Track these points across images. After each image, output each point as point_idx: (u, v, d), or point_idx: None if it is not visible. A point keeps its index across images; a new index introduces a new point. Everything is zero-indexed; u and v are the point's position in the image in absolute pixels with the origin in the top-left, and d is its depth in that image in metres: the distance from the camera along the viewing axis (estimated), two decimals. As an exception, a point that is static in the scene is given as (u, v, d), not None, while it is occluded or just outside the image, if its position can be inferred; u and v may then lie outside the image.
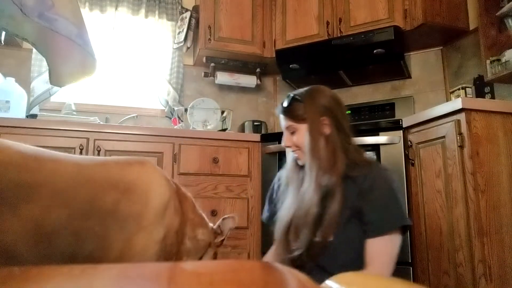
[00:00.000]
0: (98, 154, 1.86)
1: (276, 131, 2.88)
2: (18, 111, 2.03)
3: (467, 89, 2.07)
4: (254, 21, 2.65)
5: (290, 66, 2.55)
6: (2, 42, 1.86)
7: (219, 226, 0.98)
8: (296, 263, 1.15)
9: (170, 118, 2.57)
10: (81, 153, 1.83)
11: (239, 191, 2.09)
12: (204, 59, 2.63)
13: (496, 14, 2.06)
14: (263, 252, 2.02)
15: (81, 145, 1.84)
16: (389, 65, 2.43)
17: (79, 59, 1.21)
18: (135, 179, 0.77)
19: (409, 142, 1.78)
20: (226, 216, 1.00)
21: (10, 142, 0.68)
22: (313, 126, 1.16)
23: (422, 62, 2.57)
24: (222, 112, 2.56)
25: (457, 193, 1.48)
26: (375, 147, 1.86)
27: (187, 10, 2.71)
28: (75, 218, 0.66)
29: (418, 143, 1.74)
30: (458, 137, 1.48)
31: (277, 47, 2.61)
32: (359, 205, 1.10)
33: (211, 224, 0.98)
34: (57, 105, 2.36)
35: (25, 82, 2.24)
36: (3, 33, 1.84)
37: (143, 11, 2.62)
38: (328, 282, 0.37)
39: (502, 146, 1.48)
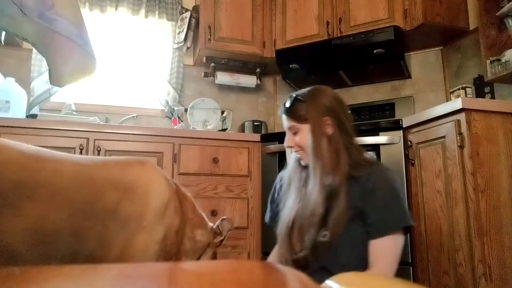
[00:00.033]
0: (98, 154, 1.86)
1: (276, 131, 2.89)
2: (18, 111, 2.03)
3: (467, 89, 2.07)
4: (254, 21, 2.65)
5: (290, 66, 2.55)
6: (2, 42, 1.87)
7: (218, 226, 0.98)
8: (300, 264, 1.15)
9: (170, 118, 2.57)
10: (81, 153, 1.83)
11: (239, 191, 2.09)
12: (204, 59, 2.63)
13: (496, 14, 2.06)
14: (263, 252, 2.02)
15: (81, 145, 1.84)
16: (389, 65, 2.43)
17: (79, 59, 1.21)
18: (135, 179, 0.77)
19: (409, 142, 1.78)
20: (224, 217, 0.99)
21: (11, 142, 0.68)
22: (315, 126, 1.16)
23: (422, 62, 2.57)
24: (222, 112, 2.56)
25: (457, 193, 1.48)
26: (375, 147, 1.86)
27: (187, 10, 2.71)
28: (76, 218, 0.66)
29: (418, 143, 1.74)
30: (458, 137, 1.48)
31: (277, 47, 2.61)
32: (361, 205, 1.10)
33: (210, 224, 0.97)
34: (57, 105, 2.36)
35: (25, 82, 2.24)
36: (3, 33, 1.84)
37: (143, 11, 2.62)
38: (328, 282, 0.37)
39: (502, 146, 1.48)
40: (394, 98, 2.57)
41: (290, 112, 1.21)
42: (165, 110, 2.63)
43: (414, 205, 1.72)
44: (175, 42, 2.67)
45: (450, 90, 2.21)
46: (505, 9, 2.00)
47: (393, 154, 1.82)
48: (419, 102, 2.51)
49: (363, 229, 1.10)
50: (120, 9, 2.57)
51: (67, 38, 1.15)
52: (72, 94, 2.43)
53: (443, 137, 1.57)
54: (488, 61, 2.03)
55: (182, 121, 2.50)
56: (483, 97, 2.13)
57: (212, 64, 2.65)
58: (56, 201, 0.65)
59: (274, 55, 2.60)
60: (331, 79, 2.61)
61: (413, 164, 1.76)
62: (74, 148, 1.84)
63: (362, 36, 2.28)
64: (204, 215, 0.96)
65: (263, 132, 2.62)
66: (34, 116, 2.09)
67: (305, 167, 1.21)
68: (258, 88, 2.92)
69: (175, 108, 2.55)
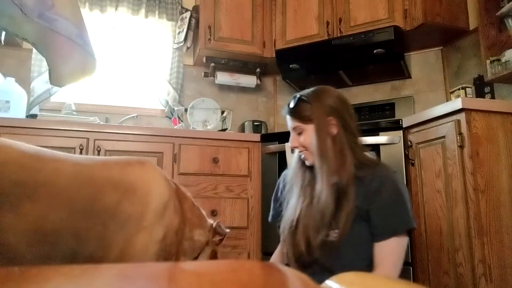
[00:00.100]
0: (98, 154, 1.86)
1: (276, 131, 2.89)
2: (18, 111, 2.03)
3: (467, 89, 2.07)
4: (254, 21, 2.65)
5: (290, 66, 2.55)
6: (2, 42, 1.86)
7: (219, 225, 0.98)
8: (302, 263, 1.15)
9: (170, 118, 2.57)
10: (81, 153, 1.83)
11: (239, 191, 2.09)
12: (204, 59, 2.63)
13: (496, 14, 2.06)
14: (263, 252, 2.02)
15: (81, 145, 1.84)
16: (389, 65, 2.44)
17: (79, 59, 1.22)
18: (135, 179, 0.77)
19: (409, 142, 1.78)
20: (218, 223, 0.98)
21: (11, 141, 0.68)
22: (320, 126, 1.16)
23: (422, 62, 2.57)
24: (222, 112, 2.56)
25: (457, 193, 1.48)
26: (375, 147, 1.86)
27: (187, 10, 2.71)
28: (76, 219, 0.66)
29: (418, 143, 1.74)
30: (458, 137, 1.48)
31: (277, 47, 2.61)
32: (366, 206, 1.10)
33: (211, 221, 0.97)
34: (57, 105, 2.36)
35: (25, 82, 2.24)
36: (3, 33, 1.84)
37: (143, 11, 2.62)
38: (328, 282, 0.37)
39: (502, 146, 1.48)
40: (394, 98, 2.57)
41: (295, 113, 1.21)
42: (165, 110, 2.63)
43: (414, 205, 1.72)
44: (175, 42, 2.67)
45: (450, 90, 2.21)
46: (505, 9, 2.00)
47: (393, 154, 1.82)
48: (419, 102, 2.51)
49: (367, 229, 1.11)
50: (120, 9, 2.57)
51: (67, 38, 1.15)
52: (72, 94, 2.43)
53: (443, 137, 1.57)
54: (488, 61, 2.03)
55: (182, 121, 2.50)
56: (483, 97, 2.13)
57: (212, 64, 2.65)
58: (56, 201, 0.65)
59: (274, 55, 2.60)
60: (331, 79, 2.61)
61: (413, 164, 1.76)
62: (74, 148, 1.84)
63: (362, 36, 2.28)
64: (204, 213, 0.96)
65: (263, 132, 2.62)
66: (34, 116, 2.09)
67: (309, 167, 1.21)
68: (258, 88, 2.92)
69: (175, 108, 2.55)
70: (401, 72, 2.53)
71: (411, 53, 2.58)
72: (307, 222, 1.14)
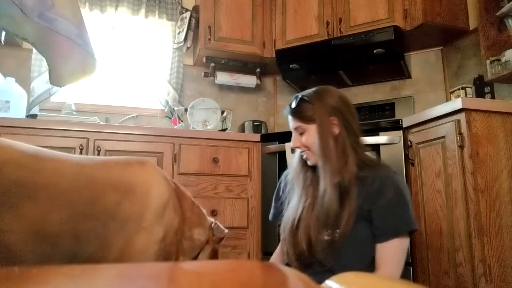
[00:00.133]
0: (98, 154, 1.86)
1: (276, 131, 2.89)
2: (18, 111, 2.03)
3: (467, 89, 2.07)
4: (254, 21, 2.65)
5: (290, 66, 2.55)
6: (2, 42, 1.86)
7: (217, 226, 0.98)
8: (303, 263, 1.15)
9: (170, 118, 2.57)
10: (81, 153, 1.83)
11: (239, 191, 2.09)
12: (204, 59, 2.63)
13: (496, 14, 2.06)
14: (263, 252, 2.02)
15: (81, 145, 1.84)
16: (389, 65, 2.43)
17: (79, 59, 1.22)
18: (135, 179, 0.77)
19: (409, 142, 1.78)
20: (217, 223, 0.98)
21: (11, 141, 0.68)
22: (322, 126, 1.16)
23: (422, 62, 2.57)
24: (222, 112, 2.56)
25: (457, 193, 1.48)
26: (375, 147, 1.86)
27: (187, 10, 2.71)
28: (76, 220, 0.66)
29: (418, 143, 1.74)
30: (458, 137, 1.48)
31: (277, 47, 2.61)
32: (367, 206, 1.10)
33: (211, 219, 0.97)
34: (57, 105, 2.36)
35: (25, 82, 2.24)
36: (3, 33, 1.84)
37: (143, 11, 2.62)
38: (328, 282, 0.37)
39: (502, 146, 1.48)
40: (394, 98, 2.57)
41: (296, 113, 1.21)
42: (165, 110, 2.63)
43: (414, 205, 1.72)
44: (175, 42, 2.67)
45: (450, 90, 2.21)
46: (505, 9, 2.00)
47: (393, 154, 1.82)
48: (419, 102, 2.51)
49: (368, 229, 1.11)
50: (120, 9, 2.57)
51: (67, 38, 1.15)
52: (72, 94, 2.43)
53: (443, 137, 1.57)
54: (488, 61, 2.03)
55: (182, 121, 2.50)
56: (483, 97, 2.13)
57: (212, 64, 2.65)
58: (57, 203, 0.65)
59: (274, 55, 2.60)
60: (331, 79, 2.61)
61: (413, 164, 1.76)
62: (74, 148, 1.84)
63: (362, 36, 2.28)
64: (204, 211, 0.96)
65: (263, 132, 2.62)
66: (34, 116, 2.09)
67: (311, 167, 1.21)
68: (258, 88, 2.92)
69: (175, 108, 2.55)
70: (401, 72, 2.53)
71: (411, 53, 2.58)
72: (308, 221, 1.14)
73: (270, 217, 1.39)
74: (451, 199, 1.51)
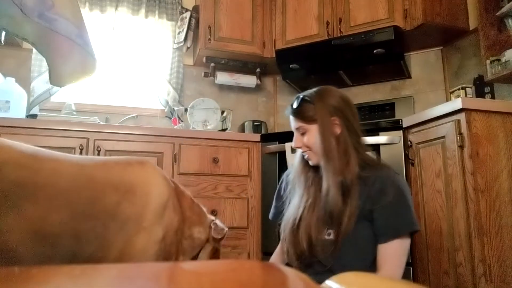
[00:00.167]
0: (98, 154, 1.86)
1: (276, 131, 2.89)
2: (18, 111, 2.03)
3: (467, 89, 2.07)
4: (254, 21, 2.65)
5: (290, 66, 2.55)
6: (2, 42, 1.86)
7: (215, 226, 0.98)
8: (303, 263, 1.15)
9: (170, 118, 2.57)
10: (81, 153, 1.83)
11: (239, 191, 2.09)
12: (204, 59, 2.63)
13: (496, 14, 2.06)
14: (263, 252, 2.02)
15: (81, 145, 1.84)
16: (389, 65, 2.43)
17: (79, 59, 1.21)
18: (135, 179, 0.77)
19: (409, 142, 1.78)
20: (215, 222, 0.98)
21: (10, 141, 0.68)
22: (323, 126, 1.16)
23: (422, 62, 2.57)
24: (222, 112, 2.56)
25: (457, 193, 1.48)
26: (375, 147, 1.85)
27: (187, 10, 2.71)
28: (76, 220, 0.66)
29: (418, 143, 1.74)
30: (458, 137, 1.48)
31: (277, 47, 2.61)
32: (369, 207, 1.10)
33: (212, 217, 0.97)
34: (57, 105, 2.36)
35: (25, 82, 2.24)
36: (3, 33, 1.84)
37: (143, 11, 2.62)
38: (328, 282, 0.37)
39: (502, 146, 1.48)
40: (394, 98, 2.57)
41: (298, 113, 1.21)
42: (165, 110, 2.63)
43: (414, 205, 1.71)
44: (175, 42, 2.67)
45: (450, 90, 2.21)
46: (505, 9, 2.00)
47: (393, 154, 1.82)
48: (419, 102, 2.51)
49: (369, 229, 1.11)
50: (120, 9, 2.57)
51: (67, 38, 1.15)
52: (72, 94, 2.43)
53: (443, 137, 1.57)
54: (488, 61, 2.03)
55: (182, 121, 2.50)
56: (483, 97, 2.13)
57: (212, 64, 2.65)
58: (58, 202, 0.65)
59: (274, 55, 2.60)
60: (331, 79, 2.61)
61: (413, 164, 1.76)
62: (74, 148, 1.84)
63: (362, 36, 2.28)
64: (204, 210, 0.96)
65: (263, 132, 2.62)
66: (34, 116, 2.09)
67: (312, 167, 1.21)
68: (258, 88, 2.92)
69: (175, 108, 2.55)
70: (401, 72, 2.53)
71: (411, 53, 2.58)
72: (309, 221, 1.14)
73: (270, 216, 1.39)
74: (451, 199, 1.51)
